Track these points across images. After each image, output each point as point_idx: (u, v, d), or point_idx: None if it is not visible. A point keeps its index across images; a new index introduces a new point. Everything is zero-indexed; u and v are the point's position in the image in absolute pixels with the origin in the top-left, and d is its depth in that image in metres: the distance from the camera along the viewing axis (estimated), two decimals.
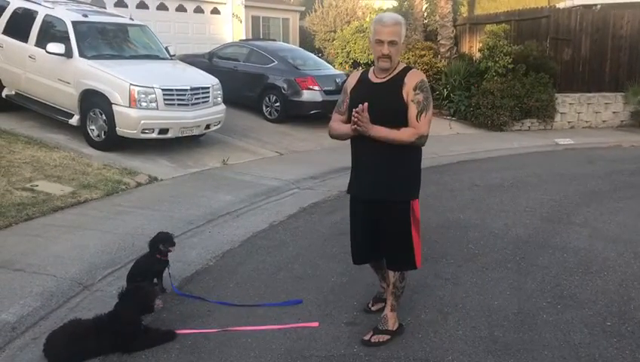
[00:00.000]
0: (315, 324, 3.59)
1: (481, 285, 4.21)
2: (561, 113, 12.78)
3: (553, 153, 10.27)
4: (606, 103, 13.10)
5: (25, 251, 4.48)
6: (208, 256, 4.75)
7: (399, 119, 3.07)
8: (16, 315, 3.54)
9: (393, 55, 3.08)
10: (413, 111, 3.04)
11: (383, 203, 3.19)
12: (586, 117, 13.02)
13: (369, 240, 3.38)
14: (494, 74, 12.25)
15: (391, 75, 3.14)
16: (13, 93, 8.68)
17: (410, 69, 3.18)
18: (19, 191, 5.79)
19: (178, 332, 3.43)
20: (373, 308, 3.78)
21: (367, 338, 3.38)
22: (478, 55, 13.53)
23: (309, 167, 8.08)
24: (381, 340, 3.36)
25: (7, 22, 8.76)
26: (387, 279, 3.43)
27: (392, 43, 3.05)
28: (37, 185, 6.03)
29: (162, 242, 3.97)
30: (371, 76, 3.23)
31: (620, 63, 13.53)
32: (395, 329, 3.43)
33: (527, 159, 9.50)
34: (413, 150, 3.16)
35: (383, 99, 3.09)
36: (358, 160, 3.29)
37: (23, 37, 8.37)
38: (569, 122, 12.89)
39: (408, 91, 3.05)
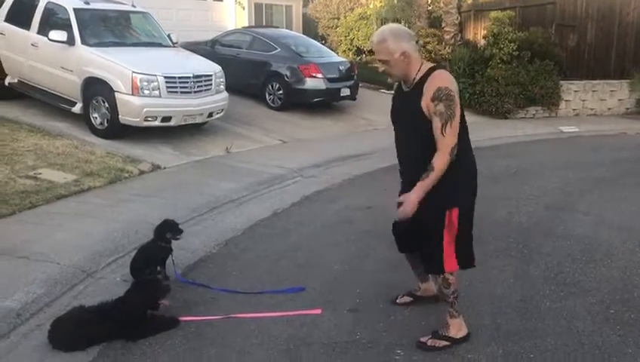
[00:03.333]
0: (318, 311, 3.60)
1: (484, 273, 4.20)
2: (566, 100, 12.68)
3: (557, 141, 10.21)
4: (611, 91, 12.99)
5: (28, 239, 4.49)
6: (211, 243, 4.76)
7: (423, 130, 2.93)
8: (21, 302, 3.56)
9: (389, 71, 3.01)
10: (437, 124, 2.86)
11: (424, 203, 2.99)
12: (590, 104, 12.92)
13: (404, 232, 3.30)
14: (499, 61, 12.14)
15: (414, 83, 2.98)
16: (16, 81, 8.67)
17: (433, 71, 2.94)
18: (22, 179, 5.79)
19: (182, 319, 3.45)
20: (398, 301, 3.69)
21: (423, 340, 3.21)
22: (482, 42, 13.41)
23: (313, 156, 8.06)
24: (437, 345, 3.18)
25: (10, 10, 8.73)
26: (436, 282, 3.28)
27: (382, 62, 3.00)
28: (40, 173, 6.04)
29: (170, 231, 3.99)
30: (402, 84, 3.13)
31: (626, 50, 13.39)
32: (457, 336, 3.22)
33: (532, 147, 9.45)
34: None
35: (407, 110, 3.02)
36: (399, 157, 3.24)
37: (25, 25, 8.33)
38: (574, 110, 12.80)
39: (428, 104, 2.88)
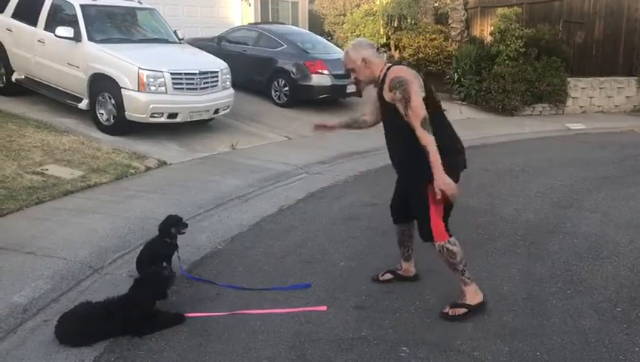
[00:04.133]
0: (323, 308, 3.60)
1: (490, 270, 4.20)
2: (573, 98, 12.63)
3: (564, 138, 10.16)
4: (619, 88, 12.92)
5: (35, 234, 4.52)
6: (217, 240, 4.77)
7: (394, 118, 3.31)
8: (28, 297, 3.58)
9: (357, 77, 3.43)
10: (402, 110, 3.22)
11: (406, 180, 3.56)
12: (598, 101, 12.85)
13: (398, 204, 3.73)
14: (506, 58, 12.10)
15: (380, 81, 3.39)
16: (23, 77, 8.71)
17: (389, 69, 3.34)
18: (29, 175, 5.82)
19: (187, 315, 3.46)
20: (380, 278, 3.96)
21: (445, 310, 3.47)
22: (489, 39, 13.37)
23: (318, 152, 8.05)
24: (458, 313, 3.44)
25: (17, 6, 8.78)
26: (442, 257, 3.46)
27: (350, 70, 3.46)
28: (47, 169, 6.06)
29: (174, 225, 3.99)
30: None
31: (634, 47, 13.30)
32: (474, 303, 3.47)
33: (538, 144, 9.41)
34: (416, 139, 3.20)
35: (381, 103, 3.43)
36: (387, 145, 3.59)
37: (32, 21, 8.38)
38: (581, 107, 12.74)
39: (389, 95, 3.28)
